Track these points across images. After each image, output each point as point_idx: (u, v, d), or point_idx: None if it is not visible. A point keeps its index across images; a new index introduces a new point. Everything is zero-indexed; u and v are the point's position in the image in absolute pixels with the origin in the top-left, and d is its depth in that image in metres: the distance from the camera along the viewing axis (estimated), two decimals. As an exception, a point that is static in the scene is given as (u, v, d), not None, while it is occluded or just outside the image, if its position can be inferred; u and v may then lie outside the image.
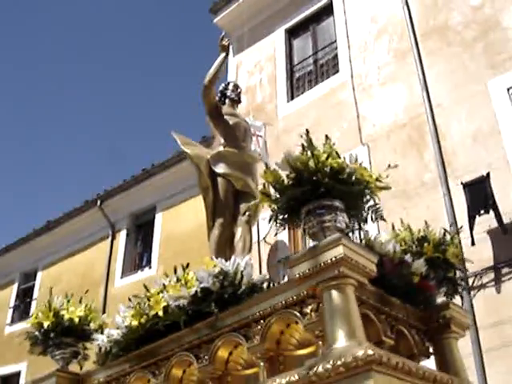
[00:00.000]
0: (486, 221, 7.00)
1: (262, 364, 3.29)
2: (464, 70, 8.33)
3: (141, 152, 35.37)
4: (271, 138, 9.70)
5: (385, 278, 3.22)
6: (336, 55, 10.28)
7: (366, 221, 3.25)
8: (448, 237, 3.73)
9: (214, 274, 3.58)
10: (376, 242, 3.43)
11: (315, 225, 3.08)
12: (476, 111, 7.91)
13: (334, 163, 3.02)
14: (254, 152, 6.99)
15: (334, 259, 2.85)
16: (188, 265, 3.73)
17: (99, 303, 11.66)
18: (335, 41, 10.42)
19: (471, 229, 6.91)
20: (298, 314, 3.13)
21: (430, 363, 3.44)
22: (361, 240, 3.60)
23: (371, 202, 3.21)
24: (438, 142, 8.12)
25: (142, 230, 13.17)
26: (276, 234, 4.59)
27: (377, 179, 3.12)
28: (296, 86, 10.73)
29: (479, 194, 7.10)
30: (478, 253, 6.66)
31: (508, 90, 7.71)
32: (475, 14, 8.57)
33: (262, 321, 3.31)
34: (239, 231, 4.87)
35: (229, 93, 5.58)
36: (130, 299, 3.93)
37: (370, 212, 3.25)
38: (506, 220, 6.92)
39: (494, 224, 6.96)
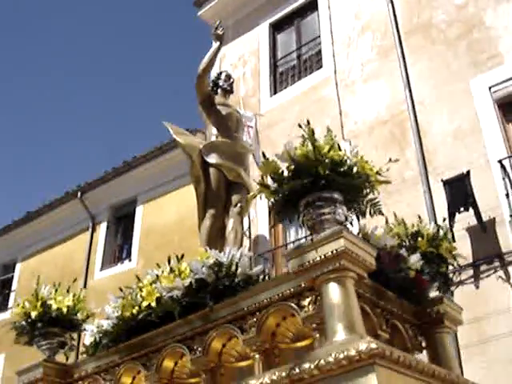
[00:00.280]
0: (465, 218, 7.05)
1: (257, 356, 3.28)
2: (447, 68, 8.39)
3: (123, 144, 34.92)
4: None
5: (382, 272, 3.22)
6: (320, 51, 10.25)
7: (364, 214, 3.25)
8: (441, 232, 3.75)
9: (209, 265, 3.54)
10: (373, 236, 3.44)
11: (314, 217, 3.07)
12: (458, 109, 7.97)
13: (336, 155, 3.01)
14: (246, 142, 6.95)
15: (334, 252, 2.84)
16: (183, 255, 3.68)
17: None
18: (319, 36, 10.38)
19: (451, 226, 6.97)
20: (295, 307, 3.13)
21: (422, 358, 3.46)
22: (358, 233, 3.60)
23: (370, 196, 3.21)
24: (420, 139, 8.16)
25: (122, 223, 13.00)
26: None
27: (377, 173, 3.12)
28: (279, 81, 10.68)
29: (459, 192, 7.16)
30: (458, 249, 6.73)
31: (490, 88, 7.76)
32: (459, 12, 8.64)
33: (257, 313, 3.29)
34: (231, 222, 4.83)
35: (221, 83, 5.54)
36: (121, 289, 3.88)
37: (368, 205, 3.25)
38: (485, 217, 6.98)
39: (474, 221, 7.01)
